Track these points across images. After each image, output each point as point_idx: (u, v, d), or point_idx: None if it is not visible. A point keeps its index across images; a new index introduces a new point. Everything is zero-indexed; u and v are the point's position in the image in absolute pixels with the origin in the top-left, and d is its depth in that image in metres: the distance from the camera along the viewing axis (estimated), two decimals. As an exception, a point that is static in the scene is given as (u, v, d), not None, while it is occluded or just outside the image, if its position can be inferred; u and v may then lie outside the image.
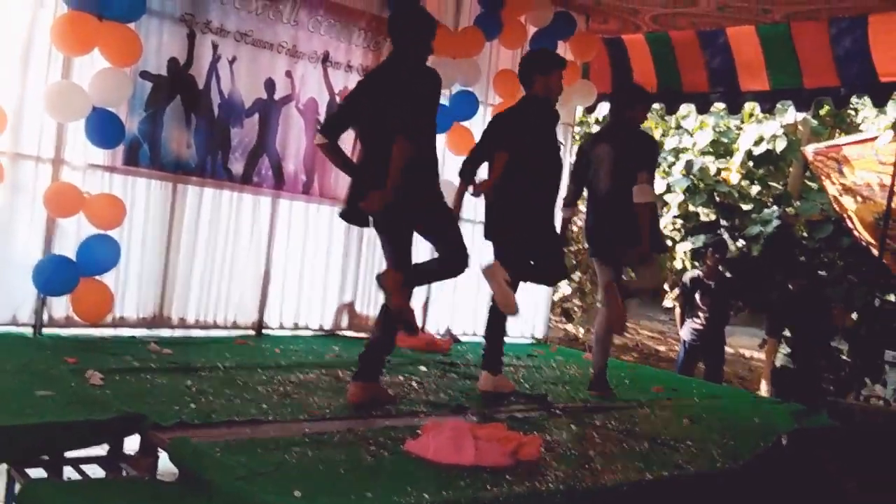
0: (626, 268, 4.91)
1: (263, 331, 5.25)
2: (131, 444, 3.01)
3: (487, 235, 4.36)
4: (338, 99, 5.36)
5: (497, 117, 4.60)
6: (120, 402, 3.11)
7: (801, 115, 9.21)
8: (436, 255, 3.88)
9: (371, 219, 3.75)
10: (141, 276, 4.72)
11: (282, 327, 5.36)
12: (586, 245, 5.12)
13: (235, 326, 5.13)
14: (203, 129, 4.82)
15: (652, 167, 4.79)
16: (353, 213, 3.78)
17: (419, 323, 6.02)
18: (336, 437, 3.06)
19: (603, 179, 4.68)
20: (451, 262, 3.76)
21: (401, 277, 3.65)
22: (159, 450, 2.87)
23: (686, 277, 7.29)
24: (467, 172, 4.38)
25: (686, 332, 7.15)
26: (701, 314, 7.01)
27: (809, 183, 9.52)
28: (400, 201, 3.51)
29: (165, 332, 4.80)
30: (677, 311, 7.44)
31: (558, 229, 4.71)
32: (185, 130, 4.77)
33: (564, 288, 10.63)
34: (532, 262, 4.35)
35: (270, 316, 5.30)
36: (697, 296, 7.02)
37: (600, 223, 4.72)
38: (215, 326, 5.04)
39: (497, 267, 4.13)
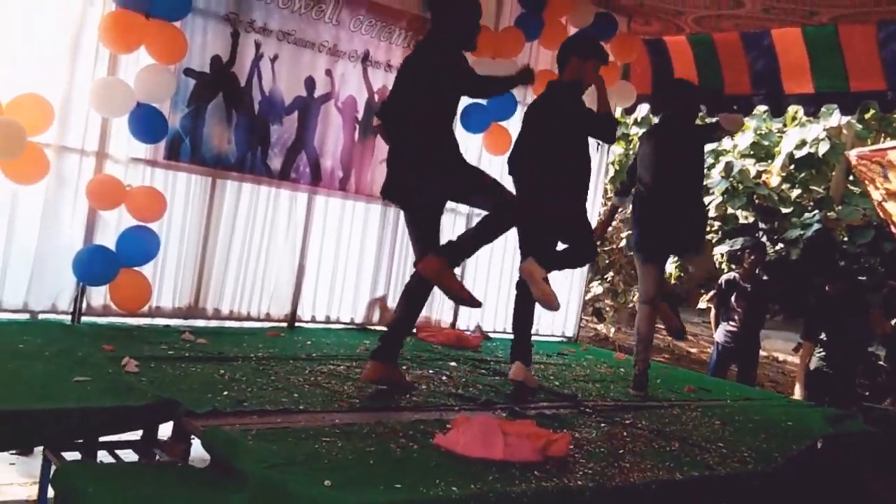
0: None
1: (296, 323, 5.31)
2: (165, 430, 3.07)
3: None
4: (376, 98, 5.40)
5: (529, 106, 4.61)
6: (154, 389, 3.17)
7: (845, 119, 9.05)
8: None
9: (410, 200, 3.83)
10: (178, 267, 4.81)
11: (314, 320, 5.42)
12: (628, 249, 5.19)
13: (268, 318, 5.21)
14: (243, 125, 4.90)
15: (713, 130, 4.97)
16: (393, 191, 3.87)
17: (450, 317, 6.05)
18: (366, 428, 3.08)
19: (645, 176, 4.72)
20: (503, 212, 3.79)
21: (438, 261, 3.68)
22: (192, 436, 2.93)
23: (722, 279, 7.20)
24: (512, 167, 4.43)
25: (720, 334, 7.06)
26: (736, 317, 6.92)
27: (852, 187, 9.33)
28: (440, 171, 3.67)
29: (200, 323, 4.89)
30: (712, 313, 7.35)
31: (587, 212, 4.63)
32: (226, 127, 4.85)
33: (596, 288, 10.59)
34: (561, 241, 4.34)
35: (303, 309, 5.36)
36: (733, 298, 6.93)
37: (647, 223, 4.73)
38: (249, 318, 5.12)
39: (534, 265, 4.13)
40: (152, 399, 3.00)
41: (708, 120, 6.69)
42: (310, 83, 5.13)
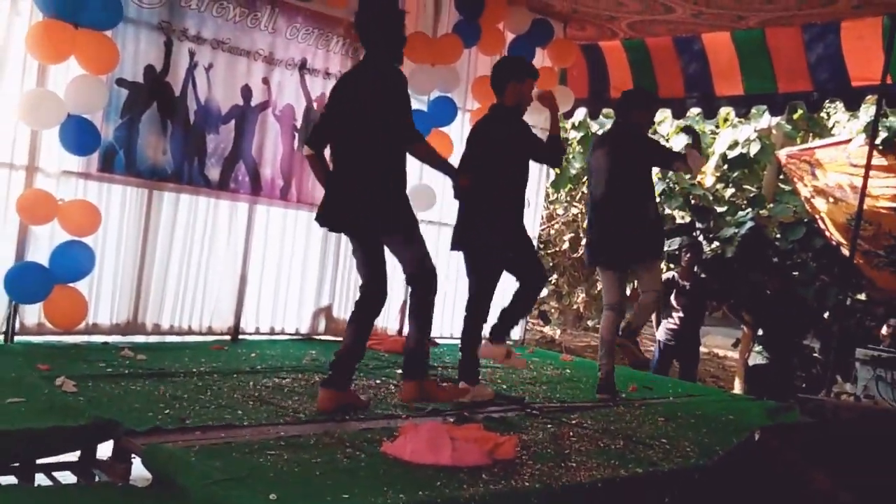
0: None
1: (239, 336, 5.24)
2: (104, 450, 2.99)
3: (458, 245, 4.30)
4: (315, 105, 5.37)
5: (473, 126, 4.58)
6: (93, 408, 3.09)
7: (775, 120, 9.34)
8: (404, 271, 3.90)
9: (349, 225, 3.79)
10: (115, 282, 4.70)
11: (258, 332, 5.36)
12: (582, 254, 5.26)
13: (211, 332, 5.12)
14: (179, 135, 4.81)
15: (667, 155, 5.06)
16: (329, 218, 3.79)
17: (397, 325, 6.04)
18: (312, 440, 3.06)
19: (598, 184, 4.78)
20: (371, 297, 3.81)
21: (414, 385, 3.89)
22: (133, 455, 2.86)
23: (662, 278, 7.36)
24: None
25: (661, 332, 7.22)
26: (675, 315, 7.08)
27: (783, 186, 9.64)
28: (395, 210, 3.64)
29: (140, 339, 4.78)
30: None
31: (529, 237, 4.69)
32: (161, 137, 4.76)
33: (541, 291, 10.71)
34: (507, 270, 4.34)
35: (246, 321, 5.29)
36: (673, 297, 7.09)
37: (603, 231, 4.79)
38: (190, 332, 5.03)
39: (489, 347, 4.36)
40: (90, 419, 2.92)
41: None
42: (246, 92, 5.08)
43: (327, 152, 3.84)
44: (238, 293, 5.22)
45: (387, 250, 3.80)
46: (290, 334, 5.52)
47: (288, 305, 5.50)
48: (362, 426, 3.42)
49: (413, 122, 3.74)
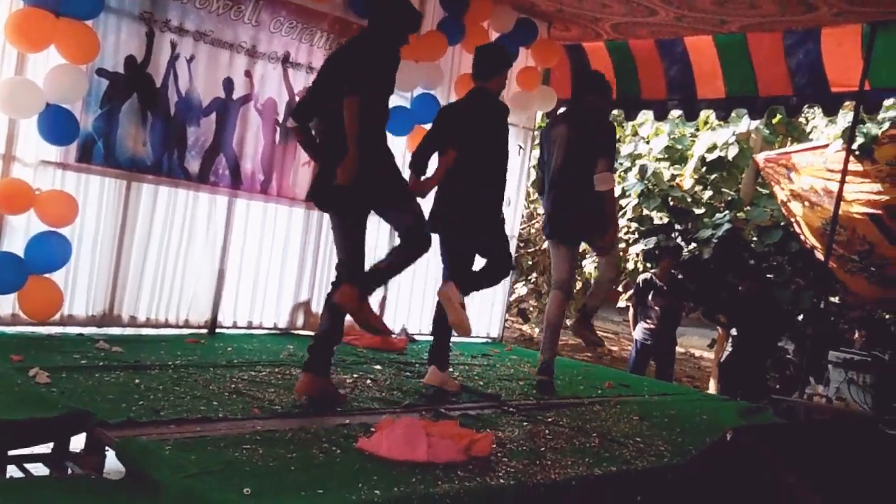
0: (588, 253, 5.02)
1: (216, 329, 5.21)
2: (77, 442, 2.97)
3: (433, 228, 4.27)
4: (297, 99, 5.35)
5: (446, 109, 4.62)
6: (66, 399, 3.06)
7: (754, 124, 9.44)
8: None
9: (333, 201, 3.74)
10: (91, 273, 4.66)
11: (235, 326, 5.33)
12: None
13: (188, 325, 5.09)
14: (159, 127, 4.78)
15: (610, 153, 4.88)
16: (319, 195, 3.78)
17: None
18: (288, 434, 3.05)
19: (556, 157, 4.78)
20: (415, 240, 3.77)
21: (353, 290, 3.63)
22: (106, 448, 2.84)
23: (640, 279, 7.43)
24: (418, 164, 4.34)
25: (638, 332, 7.28)
26: (653, 315, 7.14)
27: (760, 189, 9.75)
28: (361, 175, 3.50)
29: (116, 331, 4.74)
30: (631, 312, 7.57)
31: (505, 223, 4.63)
32: (141, 128, 4.72)
33: (520, 289, 10.74)
34: (479, 254, 4.35)
35: (224, 315, 5.27)
36: (650, 297, 7.15)
37: (559, 204, 4.81)
38: (167, 325, 4.99)
39: (452, 289, 4.13)
40: (63, 410, 2.90)
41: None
42: (228, 84, 5.05)
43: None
44: (216, 287, 5.19)
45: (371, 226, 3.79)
46: (267, 328, 5.50)
47: (266, 299, 5.48)
48: (338, 421, 3.41)
49: (361, 80, 3.50)
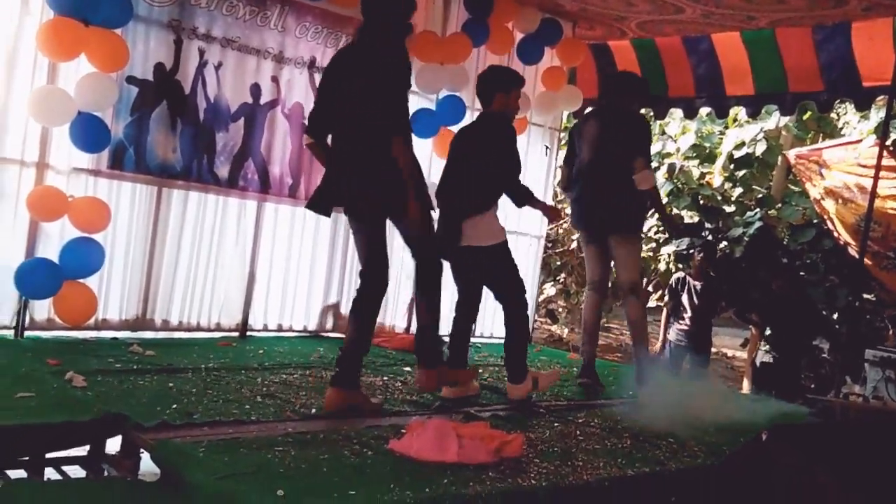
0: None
1: (247, 333, 5.26)
2: (113, 445, 3.01)
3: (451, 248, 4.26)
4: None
5: (457, 134, 4.54)
6: (101, 403, 3.11)
7: (783, 121, 9.32)
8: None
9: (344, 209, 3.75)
10: (125, 278, 4.73)
11: (266, 329, 5.37)
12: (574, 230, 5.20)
13: (219, 328, 5.14)
14: (188, 133, 4.83)
15: (646, 150, 4.84)
16: (319, 204, 3.74)
17: (405, 323, 6.05)
18: (319, 436, 3.07)
19: (584, 152, 4.77)
20: (427, 257, 3.76)
21: (431, 373, 3.81)
22: (141, 450, 2.87)
23: (673, 279, 7.34)
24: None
25: (672, 333, 7.18)
26: (686, 315, 7.05)
27: (793, 187, 9.62)
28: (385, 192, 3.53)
29: (149, 335, 4.80)
30: (664, 312, 7.48)
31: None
32: (171, 135, 4.78)
33: (549, 289, 10.69)
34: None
35: (255, 318, 5.31)
36: (684, 297, 7.06)
37: (585, 198, 4.82)
38: (199, 329, 5.05)
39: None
40: (99, 413, 2.94)
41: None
42: (255, 90, 5.09)
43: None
44: (246, 290, 5.24)
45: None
46: (298, 331, 5.54)
47: (296, 303, 5.51)
48: (369, 423, 3.42)
49: (402, 110, 3.57)
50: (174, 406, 3.26)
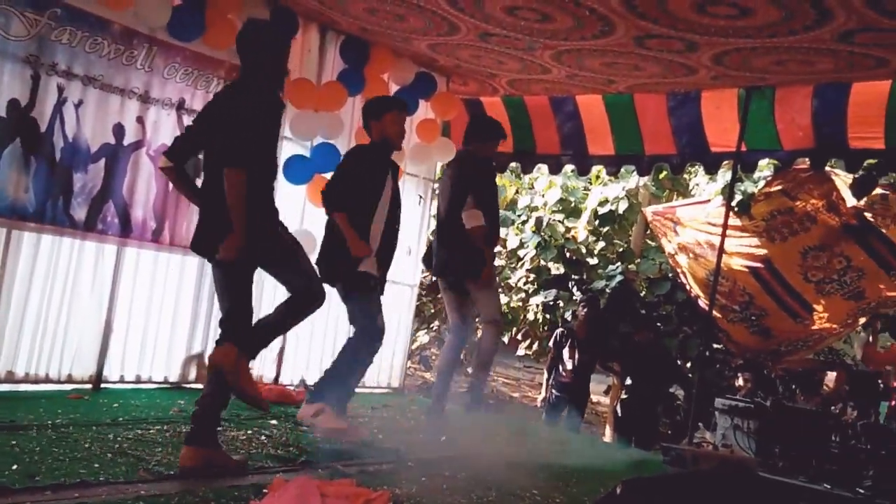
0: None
1: (102, 385, 4.96)
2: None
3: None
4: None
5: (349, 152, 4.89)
6: (-70, 466, 2.84)
7: (643, 181, 9.89)
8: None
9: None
10: (-36, 327, 4.38)
11: (122, 381, 5.09)
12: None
13: (70, 380, 4.82)
14: (43, 173, 4.57)
15: (477, 192, 4.97)
16: (201, 245, 3.57)
17: (273, 373, 5.90)
18: (174, 499, 2.92)
19: (441, 205, 4.97)
20: (307, 295, 3.62)
21: (232, 350, 3.37)
22: (-26, 518, 2.64)
23: (557, 332, 7.56)
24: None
25: (552, 384, 7.38)
26: (568, 367, 7.26)
27: (650, 242, 10.20)
28: (249, 240, 3.34)
29: (-10, 388, 4.45)
30: (547, 363, 7.68)
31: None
32: (24, 174, 4.51)
33: (422, 336, 10.76)
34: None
35: (110, 368, 5.02)
36: (566, 351, 7.27)
37: (441, 248, 5.05)
38: (48, 381, 4.72)
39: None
40: (-75, 479, 2.68)
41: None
42: (118, 130, 4.90)
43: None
44: (102, 339, 4.95)
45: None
46: (158, 382, 5.27)
47: (156, 352, 5.26)
48: (230, 483, 3.29)
49: (245, 147, 3.37)
50: (14, 467, 3.02)
